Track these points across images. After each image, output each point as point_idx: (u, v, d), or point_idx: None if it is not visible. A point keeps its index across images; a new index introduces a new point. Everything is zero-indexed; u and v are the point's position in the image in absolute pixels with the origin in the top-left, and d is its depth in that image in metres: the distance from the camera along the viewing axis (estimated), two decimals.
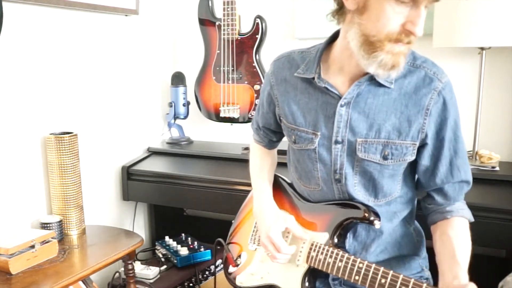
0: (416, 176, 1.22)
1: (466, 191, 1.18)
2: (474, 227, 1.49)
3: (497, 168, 1.72)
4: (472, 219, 1.17)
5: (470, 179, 1.17)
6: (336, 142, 1.14)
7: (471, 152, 1.80)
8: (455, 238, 1.09)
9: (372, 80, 1.09)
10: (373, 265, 1.04)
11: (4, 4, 1.53)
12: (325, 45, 1.17)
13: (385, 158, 1.12)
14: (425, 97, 1.09)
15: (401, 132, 1.10)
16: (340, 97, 1.12)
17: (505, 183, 1.65)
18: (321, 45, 1.18)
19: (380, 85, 1.10)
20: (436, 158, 1.14)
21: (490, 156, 1.76)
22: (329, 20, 1.12)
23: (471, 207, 1.37)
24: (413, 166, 1.18)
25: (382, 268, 1.02)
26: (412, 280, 0.97)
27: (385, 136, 1.11)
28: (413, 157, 1.14)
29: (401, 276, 0.98)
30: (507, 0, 1.58)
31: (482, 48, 1.75)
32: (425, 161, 1.15)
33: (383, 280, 1.01)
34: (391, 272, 1.00)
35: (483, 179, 1.66)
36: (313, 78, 1.16)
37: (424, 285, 0.95)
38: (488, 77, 1.87)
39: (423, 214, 1.23)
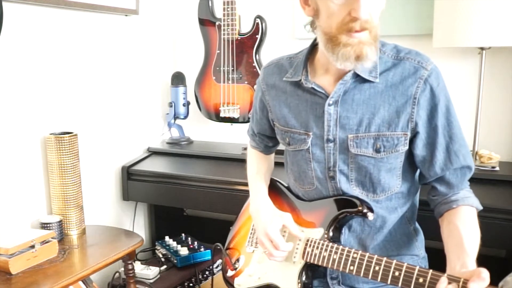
0: (418, 171, 1.22)
1: (469, 177, 1.16)
2: None
3: (497, 168, 1.72)
4: (480, 207, 1.14)
5: (471, 163, 1.15)
6: (328, 140, 1.16)
7: (471, 152, 1.80)
8: (462, 227, 1.06)
9: (357, 77, 1.11)
10: (367, 254, 1.05)
11: (4, 4, 1.53)
12: (310, 48, 1.21)
13: (377, 151, 1.13)
14: (412, 86, 1.10)
15: (391, 123, 1.11)
16: (327, 97, 1.14)
17: (505, 183, 1.65)
18: (307, 49, 1.22)
19: (366, 80, 1.12)
20: (432, 146, 1.13)
21: (490, 156, 1.76)
22: (307, 31, 1.17)
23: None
24: (412, 159, 1.18)
25: (376, 256, 1.03)
26: (405, 264, 0.97)
27: (375, 129, 1.12)
28: (406, 147, 1.14)
29: (394, 262, 0.99)
30: (507, 0, 1.58)
31: (482, 48, 1.75)
32: (421, 151, 1.14)
33: (377, 268, 1.02)
34: (384, 259, 1.01)
35: (483, 179, 1.65)
36: (300, 80, 1.18)
37: (417, 267, 0.96)
38: (488, 77, 1.87)
39: (430, 208, 1.21)
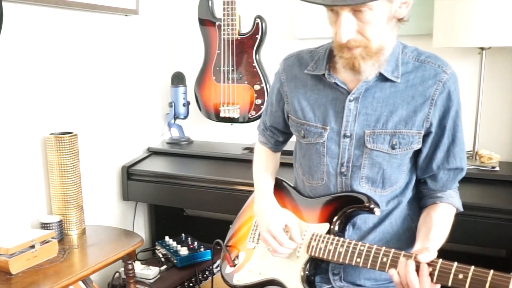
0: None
1: (460, 178, 1.23)
2: (474, 227, 1.49)
3: (497, 168, 1.72)
4: (461, 209, 1.22)
5: (465, 166, 1.21)
6: (345, 136, 1.18)
7: (471, 152, 1.80)
8: (436, 220, 1.15)
9: (380, 75, 1.14)
10: (375, 246, 1.07)
11: (4, 4, 1.53)
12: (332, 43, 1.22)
13: (393, 147, 1.16)
14: (431, 88, 1.14)
15: (408, 121, 1.15)
16: (348, 92, 1.17)
17: (505, 183, 1.66)
18: (329, 44, 1.23)
19: (387, 79, 1.14)
20: (435, 144, 1.18)
21: (490, 156, 1.76)
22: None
23: (472, 207, 1.37)
24: (415, 153, 1.22)
25: (384, 248, 1.05)
26: (414, 254, 1.00)
27: (392, 127, 1.15)
28: (419, 146, 1.18)
29: (402, 253, 1.02)
30: (507, 0, 1.58)
31: (482, 48, 1.75)
32: (426, 148, 1.19)
33: (384, 259, 1.04)
34: (392, 250, 1.03)
35: (483, 179, 1.66)
36: (323, 75, 1.20)
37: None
38: (488, 77, 1.87)
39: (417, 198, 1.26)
